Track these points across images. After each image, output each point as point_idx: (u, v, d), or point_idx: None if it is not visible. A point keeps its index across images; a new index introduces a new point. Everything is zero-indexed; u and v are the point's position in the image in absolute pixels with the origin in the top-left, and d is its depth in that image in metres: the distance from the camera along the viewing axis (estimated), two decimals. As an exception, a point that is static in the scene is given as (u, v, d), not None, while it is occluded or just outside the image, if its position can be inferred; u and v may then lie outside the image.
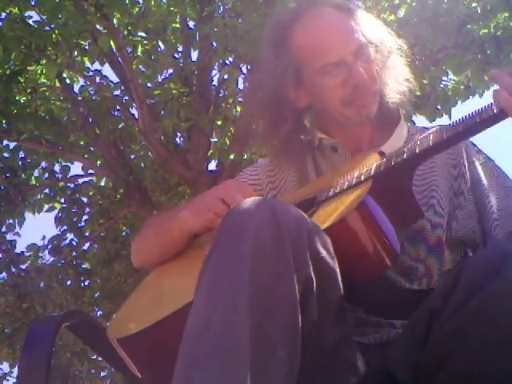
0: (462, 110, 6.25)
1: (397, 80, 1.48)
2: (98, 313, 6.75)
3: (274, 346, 0.91)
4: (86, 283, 6.74)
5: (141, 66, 5.98)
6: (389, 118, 1.48)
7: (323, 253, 1.02)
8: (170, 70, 5.86)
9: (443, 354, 0.94)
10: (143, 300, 1.36)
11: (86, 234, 6.63)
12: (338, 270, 1.04)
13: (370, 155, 1.35)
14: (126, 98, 5.96)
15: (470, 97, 5.89)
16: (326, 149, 1.50)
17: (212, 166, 6.01)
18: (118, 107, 6.10)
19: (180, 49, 6.00)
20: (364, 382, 1.05)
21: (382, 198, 1.16)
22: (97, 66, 5.98)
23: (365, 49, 1.40)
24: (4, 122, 5.65)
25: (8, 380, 7.03)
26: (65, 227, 6.56)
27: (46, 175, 6.43)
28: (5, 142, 6.02)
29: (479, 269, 0.95)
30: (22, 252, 6.58)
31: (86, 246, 6.77)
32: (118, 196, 6.36)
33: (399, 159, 1.20)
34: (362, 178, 1.24)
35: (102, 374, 7.07)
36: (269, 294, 0.93)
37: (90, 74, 5.79)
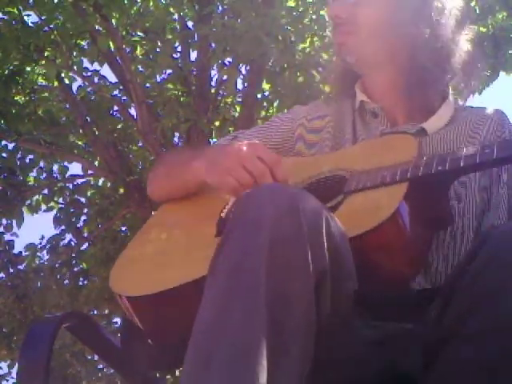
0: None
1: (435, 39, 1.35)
2: (98, 314, 6.75)
3: (289, 343, 0.89)
4: (85, 283, 6.74)
5: (139, 67, 5.99)
6: (431, 91, 1.38)
7: (341, 245, 0.99)
8: (169, 71, 5.86)
9: (456, 324, 0.92)
10: (150, 248, 1.31)
11: (85, 235, 6.63)
12: (353, 263, 1.01)
13: (405, 139, 1.27)
14: (125, 98, 5.96)
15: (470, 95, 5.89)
16: (365, 113, 1.44)
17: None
18: (116, 107, 6.10)
19: (179, 49, 6.00)
20: (374, 377, 1.04)
21: (415, 204, 1.10)
22: (95, 66, 5.99)
23: None
24: (3, 122, 5.65)
25: (8, 380, 7.03)
26: (63, 227, 6.55)
27: (44, 175, 6.43)
28: (3, 143, 6.02)
29: (504, 240, 0.93)
30: (21, 252, 6.58)
31: (85, 246, 6.77)
32: (117, 196, 6.36)
33: (440, 168, 1.10)
34: (397, 177, 1.14)
35: (101, 374, 7.07)
36: (284, 290, 0.90)
37: (89, 74, 5.80)
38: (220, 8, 5.63)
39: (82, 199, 6.63)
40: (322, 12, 5.50)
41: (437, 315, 0.99)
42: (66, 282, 6.66)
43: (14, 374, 6.73)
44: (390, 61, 1.39)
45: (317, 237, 0.95)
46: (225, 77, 5.53)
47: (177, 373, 6.63)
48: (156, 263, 1.24)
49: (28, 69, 5.81)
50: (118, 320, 6.68)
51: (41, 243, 6.59)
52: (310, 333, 0.92)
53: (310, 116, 1.50)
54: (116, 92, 6.04)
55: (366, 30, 1.37)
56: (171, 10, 5.82)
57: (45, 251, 6.59)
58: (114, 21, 5.28)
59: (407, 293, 1.18)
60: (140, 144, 6.23)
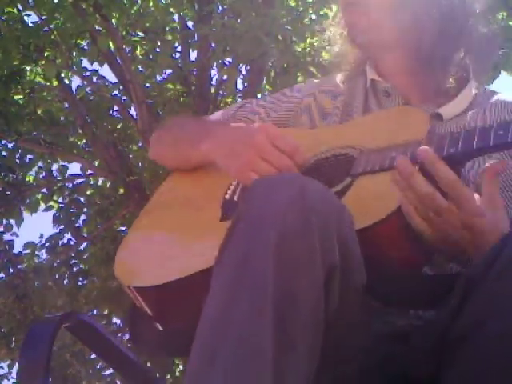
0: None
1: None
2: (97, 314, 6.76)
3: (296, 340, 0.88)
4: (84, 283, 6.74)
5: (139, 67, 5.99)
6: (443, 76, 1.34)
7: (350, 237, 0.97)
8: (169, 71, 5.87)
9: (478, 320, 0.91)
10: (155, 233, 1.29)
11: (85, 235, 6.63)
12: (360, 255, 0.99)
13: (417, 114, 1.24)
14: (125, 98, 5.96)
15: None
16: (378, 92, 1.41)
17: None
18: (116, 107, 6.11)
19: (179, 49, 6.01)
20: (384, 374, 1.03)
21: None
22: (95, 66, 6.00)
23: None
24: (3, 122, 5.66)
25: (8, 380, 7.03)
26: (62, 227, 6.55)
27: (44, 174, 6.44)
28: (3, 142, 6.02)
29: None
30: (20, 252, 6.59)
31: (84, 245, 6.77)
32: (117, 196, 6.36)
33: (452, 151, 1.06)
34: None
35: (102, 374, 7.07)
36: (292, 287, 0.88)
37: (88, 74, 5.81)
38: (220, 8, 5.64)
39: (82, 199, 6.63)
40: (321, 12, 5.51)
41: (456, 306, 0.96)
42: (66, 281, 6.66)
43: (13, 374, 6.73)
44: (399, 45, 1.36)
45: (326, 231, 0.92)
46: (225, 77, 5.54)
47: (177, 373, 6.64)
48: (162, 250, 1.23)
49: (28, 69, 5.82)
50: (117, 320, 6.69)
51: (40, 241, 6.61)
52: (318, 330, 0.91)
53: (323, 86, 1.49)
54: (116, 92, 6.05)
55: (377, 10, 1.35)
56: (171, 9, 5.82)
57: (43, 250, 6.60)
58: (114, 21, 5.28)
59: (418, 279, 1.14)
60: (140, 144, 6.24)
